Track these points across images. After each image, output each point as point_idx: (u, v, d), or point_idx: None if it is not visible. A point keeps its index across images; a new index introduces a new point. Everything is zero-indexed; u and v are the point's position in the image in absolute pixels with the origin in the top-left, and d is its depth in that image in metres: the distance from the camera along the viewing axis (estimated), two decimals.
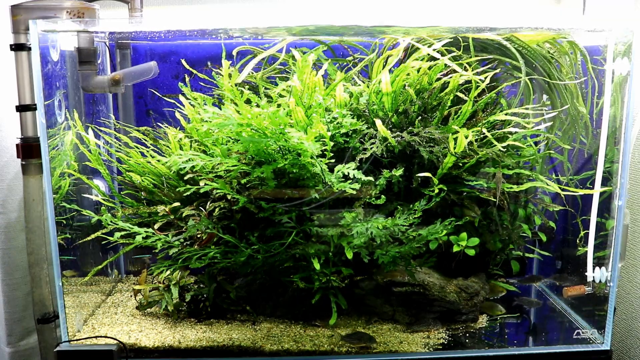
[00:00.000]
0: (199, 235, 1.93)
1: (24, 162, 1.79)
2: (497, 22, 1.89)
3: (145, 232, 1.91)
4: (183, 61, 2.18)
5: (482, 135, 1.90)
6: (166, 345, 1.85)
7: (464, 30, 1.94)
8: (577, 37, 2.01)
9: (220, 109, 1.77)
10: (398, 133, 1.88)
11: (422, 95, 1.94)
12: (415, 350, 1.83)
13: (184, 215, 1.92)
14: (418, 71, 1.89)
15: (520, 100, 2.06)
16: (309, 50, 2.14)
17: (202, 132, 1.90)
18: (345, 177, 1.83)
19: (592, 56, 2.01)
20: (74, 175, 1.96)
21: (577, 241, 2.13)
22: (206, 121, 1.79)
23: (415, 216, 1.85)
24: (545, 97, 2.12)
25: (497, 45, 1.99)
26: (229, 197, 1.86)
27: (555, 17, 2.22)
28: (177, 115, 2.08)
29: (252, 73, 2.08)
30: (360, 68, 2.10)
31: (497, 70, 1.98)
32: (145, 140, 2.13)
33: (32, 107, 1.75)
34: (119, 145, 2.08)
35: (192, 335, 1.90)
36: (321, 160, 1.78)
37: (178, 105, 2.03)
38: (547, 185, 1.99)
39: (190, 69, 2.14)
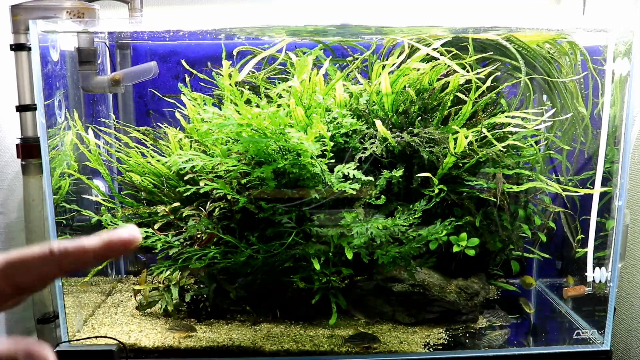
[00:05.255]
0: (199, 236, 1.93)
1: (24, 162, 1.80)
2: (497, 22, 1.89)
3: (145, 232, 1.91)
4: (183, 61, 2.18)
5: (482, 136, 1.90)
6: (166, 345, 1.85)
7: (463, 31, 1.94)
8: (577, 37, 2.01)
9: (220, 109, 1.77)
10: (398, 133, 1.88)
11: (423, 95, 1.94)
12: (415, 350, 1.83)
13: (184, 215, 1.92)
14: (418, 70, 1.89)
15: (521, 101, 2.06)
16: (309, 50, 2.14)
17: (202, 132, 1.90)
18: (345, 177, 1.83)
19: (592, 56, 2.01)
20: (74, 175, 1.96)
21: (575, 243, 2.13)
22: (206, 121, 1.79)
23: (415, 216, 1.85)
24: (545, 97, 2.12)
25: (497, 46, 1.99)
26: (229, 197, 1.86)
27: (555, 17, 2.22)
28: (177, 115, 2.08)
29: (253, 72, 2.08)
30: (360, 68, 2.10)
31: (498, 72, 1.98)
32: (145, 140, 2.13)
33: (32, 107, 1.75)
34: (119, 145, 2.08)
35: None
36: (321, 161, 1.78)
37: (178, 105, 2.03)
38: (548, 185, 1.99)
39: (190, 69, 2.15)
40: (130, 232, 0.56)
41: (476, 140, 1.89)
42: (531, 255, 2.32)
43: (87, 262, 0.56)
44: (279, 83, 2.09)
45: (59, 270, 0.55)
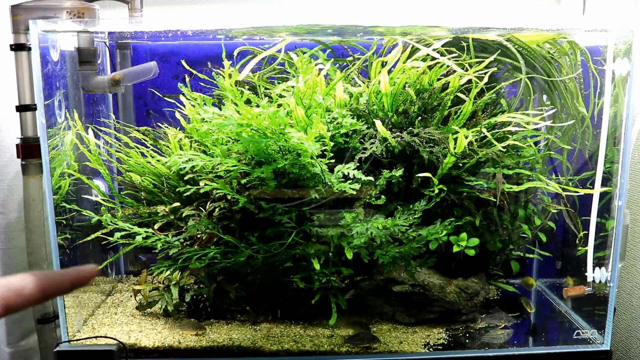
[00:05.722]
0: (199, 236, 1.93)
1: (24, 162, 1.80)
2: (497, 22, 1.89)
3: (145, 232, 1.91)
4: (183, 61, 2.18)
5: (482, 136, 1.90)
6: (166, 345, 1.85)
7: (464, 31, 1.94)
8: (577, 37, 2.01)
9: (220, 109, 1.77)
10: (398, 133, 1.88)
11: (422, 95, 1.94)
12: (415, 350, 1.83)
13: (184, 215, 1.92)
14: (417, 69, 1.89)
15: (521, 101, 2.06)
16: (309, 50, 2.14)
17: (202, 132, 1.90)
18: (345, 177, 1.83)
19: (592, 56, 2.01)
20: (74, 175, 1.96)
21: (577, 240, 2.13)
22: (206, 121, 1.79)
23: (415, 216, 1.85)
24: (545, 97, 2.12)
25: (497, 46, 1.99)
26: (229, 197, 1.86)
27: (555, 17, 2.22)
28: (177, 115, 2.08)
29: (252, 74, 2.08)
30: (360, 68, 2.10)
31: (496, 69, 1.98)
32: (145, 140, 2.13)
33: (32, 107, 1.75)
34: (119, 145, 2.08)
35: (192, 335, 1.90)
36: (321, 161, 1.78)
37: (178, 105, 2.03)
38: (547, 185, 1.99)
39: (190, 69, 2.15)
40: (92, 267, 0.76)
41: (476, 140, 1.89)
42: (531, 255, 2.33)
43: (65, 289, 0.73)
44: (279, 83, 2.09)
45: (43, 295, 0.70)
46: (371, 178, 1.83)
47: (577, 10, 2.16)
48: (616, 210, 1.84)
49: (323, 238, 1.88)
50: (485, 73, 1.85)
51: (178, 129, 2.09)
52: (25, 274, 0.70)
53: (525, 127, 1.93)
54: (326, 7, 2.23)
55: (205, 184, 1.82)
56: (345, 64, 2.19)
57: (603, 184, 1.90)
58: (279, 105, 1.87)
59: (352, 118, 1.88)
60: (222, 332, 1.92)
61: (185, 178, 1.94)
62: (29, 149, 1.77)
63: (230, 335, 1.90)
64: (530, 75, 1.99)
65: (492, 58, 1.86)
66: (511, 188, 1.94)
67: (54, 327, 1.86)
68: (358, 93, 1.97)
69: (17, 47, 1.73)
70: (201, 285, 2.05)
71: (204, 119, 1.82)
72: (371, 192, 1.87)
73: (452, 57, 1.91)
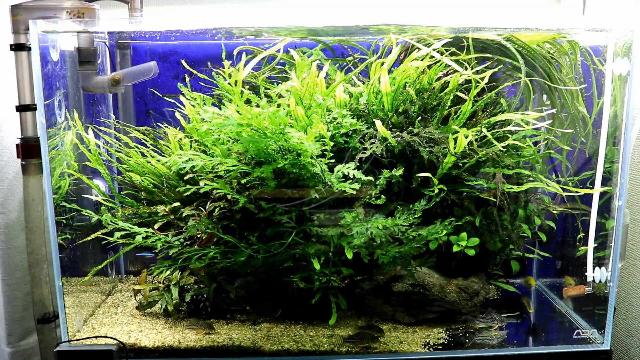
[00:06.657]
0: (199, 235, 1.93)
1: (24, 162, 1.80)
2: (497, 22, 1.89)
3: (145, 232, 1.91)
4: (183, 61, 2.18)
5: (482, 135, 1.90)
6: (166, 345, 1.85)
7: (464, 30, 1.94)
8: (577, 37, 2.01)
9: (220, 109, 1.77)
10: (398, 133, 1.88)
11: (422, 95, 1.94)
12: (415, 350, 1.83)
13: (184, 215, 1.92)
14: (417, 68, 1.89)
15: (521, 100, 2.06)
16: (309, 50, 2.14)
17: (202, 132, 1.90)
18: (345, 177, 1.83)
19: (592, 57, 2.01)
20: (74, 175, 1.96)
21: (577, 241, 2.13)
22: (206, 121, 1.79)
23: (415, 216, 1.84)
24: (545, 97, 2.12)
25: (497, 46, 1.99)
26: (229, 197, 1.86)
27: (555, 17, 2.22)
28: (177, 115, 2.08)
29: (253, 72, 2.08)
30: (360, 68, 2.10)
31: (496, 70, 1.98)
32: (145, 140, 2.13)
33: (32, 107, 1.75)
34: (119, 145, 2.08)
35: (192, 335, 1.90)
36: (321, 160, 1.78)
37: (178, 105, 2.03)
38: (547, 185, 1.99)
39: (190, 69, 2.14)
40: None
41: (476, 140, 1.89)
42: (531, 255, 2.33)
43: None
44: (278, 84, 2.09)
45: None
46: (371, 178, 1.83)
47: (577, 10, 2.16)
48: (616, 210, 1.84)
49: (323, 238, 1.88)
50: (485, 72, 1.85)
51: (178, 129, 2.09)
52: None
53: (525, 127, 1.93)
54: (327, 7, 2.23)
55: (205, 184, 1.82)
56: (345, 63, 2.19)
57: (603, 184, 1.90)
58: (279, 105, 1.87)
59: (352, 118, 1.88)
60: (222, 332, 1.92)
61: (185, 178, 1.93)
62: (29, 149, 1.77)
63: (230, 335, 1.90)
64: (531, 78, 1.99)
65: (487, 64, 1.86)
66: (511, 188, 1.94)
67: (54, 327, 1.86)
68: (358, 93, 1.96)
69: (17, 47, 1.73)
70: (201, 285, 2.05)
71: (204, 119, 1.82)
72: (371, 192, 1.87)
73: (452, 57, 1.91)
